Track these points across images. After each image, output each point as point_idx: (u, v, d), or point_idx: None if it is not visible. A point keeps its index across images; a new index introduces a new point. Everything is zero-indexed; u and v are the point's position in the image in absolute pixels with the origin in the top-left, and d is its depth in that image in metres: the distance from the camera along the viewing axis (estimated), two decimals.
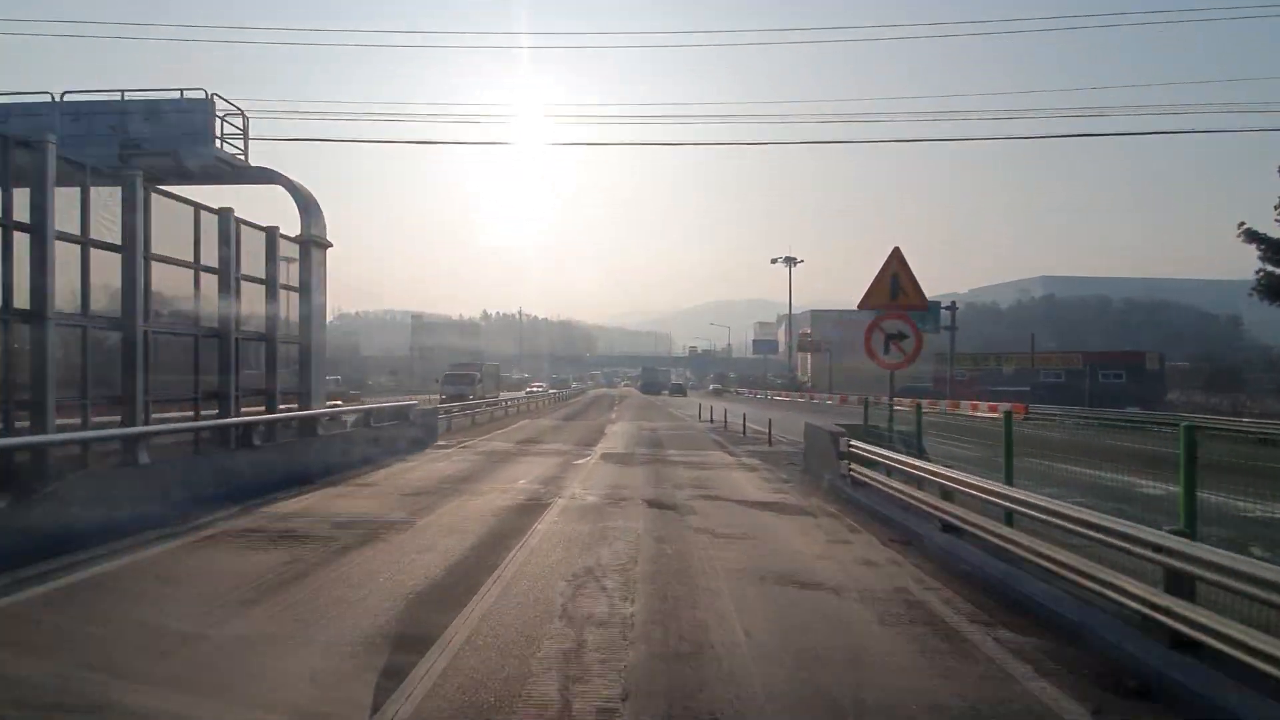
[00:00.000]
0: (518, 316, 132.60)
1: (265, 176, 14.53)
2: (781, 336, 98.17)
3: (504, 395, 41.35)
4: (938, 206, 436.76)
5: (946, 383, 49.44)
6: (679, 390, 76.27)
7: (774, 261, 66.92)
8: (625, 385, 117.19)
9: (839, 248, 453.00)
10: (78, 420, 9.34)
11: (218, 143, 13.33)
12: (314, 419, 13.65)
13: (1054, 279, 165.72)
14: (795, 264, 67.74)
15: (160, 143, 12.98)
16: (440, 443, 19.10)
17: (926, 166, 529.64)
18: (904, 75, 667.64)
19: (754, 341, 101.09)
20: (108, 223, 9.90)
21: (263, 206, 14.80)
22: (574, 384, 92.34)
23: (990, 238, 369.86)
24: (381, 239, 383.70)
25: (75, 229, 9.44)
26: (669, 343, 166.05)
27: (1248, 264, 25.35)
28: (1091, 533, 5.16)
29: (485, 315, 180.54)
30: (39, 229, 8.80)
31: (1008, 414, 7.73)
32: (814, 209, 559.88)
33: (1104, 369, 46.63)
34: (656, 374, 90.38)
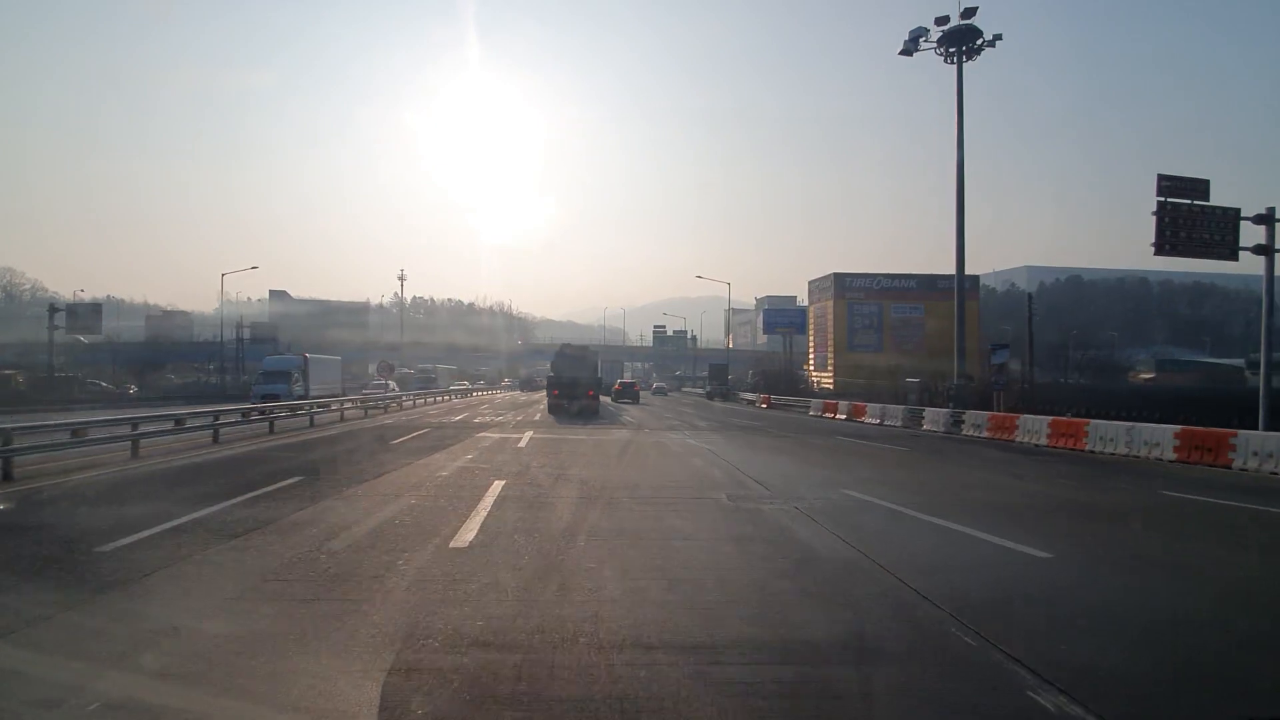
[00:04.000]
0: (409, 298, 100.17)
1: None
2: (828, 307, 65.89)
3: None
4: (912, 194, 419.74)
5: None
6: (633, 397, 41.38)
7: (907, 53, 30.64)
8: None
9: (799, 237, 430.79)
10: None
11: None
12: None
13: (1038, 269, 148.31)
14: (972, 52, 29.36)
15: None
16: None
17: (898, 154, 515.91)
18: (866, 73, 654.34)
19: (765, 313, 70.35)
20: None
21: None
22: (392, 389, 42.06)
23: (969, 226, 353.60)
24: (317, 221, 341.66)
25: None
26: (622, 336, 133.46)
27: None
28: None
29: (396, 298, 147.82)
30: None
31: None
32: (771, 199, 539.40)
33: None
34: (580, 365, 33.76)
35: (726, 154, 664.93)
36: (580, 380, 30.78)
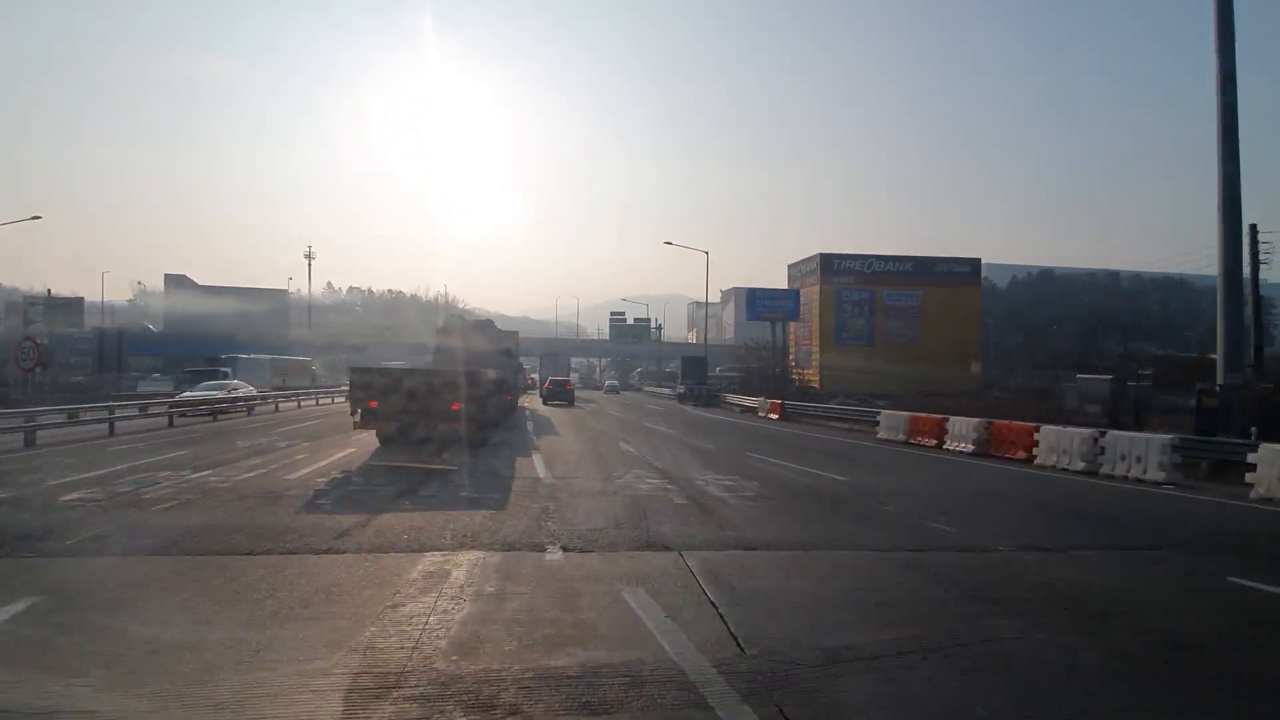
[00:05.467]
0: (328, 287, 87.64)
1: None
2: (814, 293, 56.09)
3: None
4: (857, 193, 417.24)
5: None
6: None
7: None
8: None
9: (766, 234, 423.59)
10: None
11: None
12: None
13: (994, 266, 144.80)
14: None
15: None
16: None
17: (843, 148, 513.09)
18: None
19: (750, 295, 60.97)
20: None
21: None
22: None
23: (915, 224, 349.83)
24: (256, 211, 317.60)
25: None
26: (576, 331, 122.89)
27: None
28: None
29: (330, 288, 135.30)
30: None
31: None
32: (724, 200, 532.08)
33: None
34: (472, 356, 20.59)
35: (690, 150, 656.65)
36: (444, 388, 14.48)
